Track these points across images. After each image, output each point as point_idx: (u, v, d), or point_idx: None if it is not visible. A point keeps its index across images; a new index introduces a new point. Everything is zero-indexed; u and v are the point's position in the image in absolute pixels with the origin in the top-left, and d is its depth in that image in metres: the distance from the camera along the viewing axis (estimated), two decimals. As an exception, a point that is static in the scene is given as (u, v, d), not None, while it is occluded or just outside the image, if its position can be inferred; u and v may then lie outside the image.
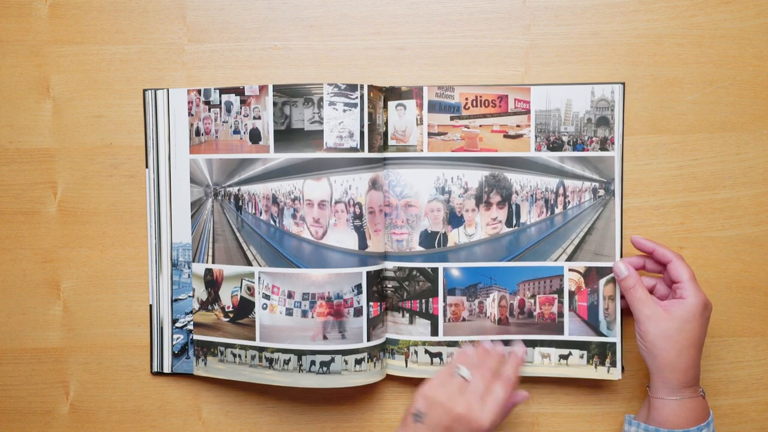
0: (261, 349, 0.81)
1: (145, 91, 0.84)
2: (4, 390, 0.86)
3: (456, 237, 0.82)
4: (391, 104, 0.82)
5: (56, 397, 0.86)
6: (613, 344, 0.82)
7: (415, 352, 0.82)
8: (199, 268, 0.84)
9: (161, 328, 0.85)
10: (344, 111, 0.78)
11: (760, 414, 0.86)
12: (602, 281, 0.82)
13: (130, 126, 0.85)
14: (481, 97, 0.82)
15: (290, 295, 0.80)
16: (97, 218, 0.85)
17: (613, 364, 0.82)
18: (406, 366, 0.82)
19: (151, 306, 0.85)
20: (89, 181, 0.85)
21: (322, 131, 0.79)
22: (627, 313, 0.80)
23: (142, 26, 0.84)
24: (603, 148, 0.82)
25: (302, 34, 0.84)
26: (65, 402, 0.86)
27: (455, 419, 0.71)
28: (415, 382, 0.84)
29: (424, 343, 0.82)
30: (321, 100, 0.78)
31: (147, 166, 0.84)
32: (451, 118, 0.82)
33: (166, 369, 0.85)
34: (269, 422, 0.86)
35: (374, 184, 0.80)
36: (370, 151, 0.80)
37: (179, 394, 0.86)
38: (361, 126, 0.79)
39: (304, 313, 0.79)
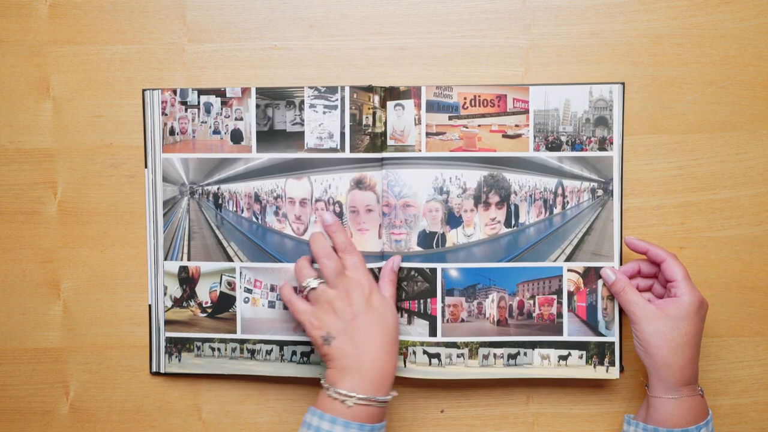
0: (243, 341, 0.83)
1: (144, 91, 0.84)
2: (4, 390, 0.87)
3: (454, 237, 0.82)
4: (390, 104, 0.82)
5: (56, 397, 0.87)
6: (612, 344, 0.82)
7: (414, 353, 0.82)
8: (172, 266, 0.84)
9: (160, 328, 0.85)
10: (324, 113, 0.81)
11: (760, 414, 0.86)
12: (601, 281, 0.82)
13: (130, 126, 0.85)
14: (479, 96, 0.82)
15: (273, 288, 0.83)
16: (97, 218, 0.85)
17: (612, 363, 0.82)
18: (405, 366, 0.82)
19: (150, 306, 0.85)
20: (89, 181, 0.85)
21: (303, 132, 0.81)
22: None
23: (142, 26, 0.85)
24: (601, 148, 0.82)
25: (302, 34, 0.84)
26: (65, 402, 0.86)
27: (348, 308, 0.74)
28: (413, 383, 0.84)
29: (422, 344, 0.82)
30: (302, 102, 0.81)
31: (146, 166, 0.85)
32: (450, 118, 0.81)
33: (163, 369, 0.85)
34: (269, 422, 0.86)
35: (358, 184, 0.81)
36: (353, 151, 0.81)
37: (179, 394, 0.86)
38: (342, 127, 0.81)
39: (286, 306, 0.80)
